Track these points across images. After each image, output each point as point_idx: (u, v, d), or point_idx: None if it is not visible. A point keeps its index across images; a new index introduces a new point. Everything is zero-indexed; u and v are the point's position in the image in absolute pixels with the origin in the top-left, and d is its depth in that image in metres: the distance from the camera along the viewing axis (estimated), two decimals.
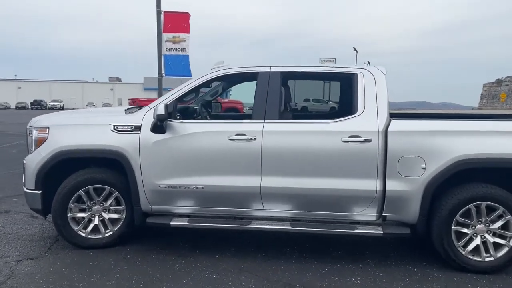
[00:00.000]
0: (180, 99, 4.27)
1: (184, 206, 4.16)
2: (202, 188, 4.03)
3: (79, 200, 4.16)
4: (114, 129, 4.10)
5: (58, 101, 71.22)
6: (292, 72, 4.25)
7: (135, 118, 4.15)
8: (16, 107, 68.24)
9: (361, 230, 3.93)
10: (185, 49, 15.16)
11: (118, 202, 4.23)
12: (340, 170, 3.90)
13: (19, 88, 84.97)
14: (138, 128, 4.09)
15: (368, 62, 4.29)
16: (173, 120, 4.10)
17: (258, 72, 4.18)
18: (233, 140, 3.98)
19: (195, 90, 4.36)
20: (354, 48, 50.37)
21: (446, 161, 3.73)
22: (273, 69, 4.17)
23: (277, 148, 3.95)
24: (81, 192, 4.11)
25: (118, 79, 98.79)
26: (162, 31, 15.04)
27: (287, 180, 3.96)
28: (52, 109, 63.95)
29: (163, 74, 15.13)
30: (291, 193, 3.98)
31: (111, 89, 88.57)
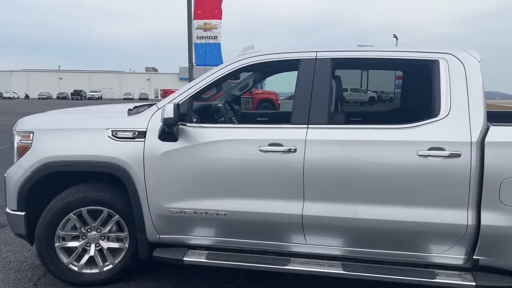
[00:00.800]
0: (197, 95, 3.28)
1: (201, 237, 3.20)
2: (224, 214, 3.05)
3: (70, 225, 3.29)
4: (113, 135, 3.17)
5: (96, 91, 72.66)
6: (347, 58, 3.14)
7: (139, 121, 3.20)
8: (57, 97, 70.05)
9: (443, 279, 2.81)
10: (216, 36, 14.16)
11: (119, 228, 3.32)
12: (414, 195, 2.81)
13: (60, 78, 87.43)
14: (142, 134, 3.14)
15: None
16: (188, 124, 3.12)
17: (300, 60, 3.12)
18: (266, 151, 2.96)
19: (217, 83, 3.35)
20: (394, 35, 47.76)
21: None
22: (321, 55, 3.09)
23: (325, 163, 2.90)
24: (71, 215, 3.22)
25: (155, 69, 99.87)
26: (192, 18, 14.15)
27: (338, 207, 2.91)
28: (91, 99, 65.36)
29: (194, 64, 14.27)
30: (344, 224, 2.92)
31: (148, 79, 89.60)
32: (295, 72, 3.18)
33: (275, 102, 19.55)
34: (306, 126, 2.97)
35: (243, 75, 4.18)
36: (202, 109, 3.78)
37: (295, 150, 2.92)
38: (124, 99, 68.27)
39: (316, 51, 3.11)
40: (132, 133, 3.15)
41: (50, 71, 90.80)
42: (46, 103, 48.19)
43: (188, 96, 3.18)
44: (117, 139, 3.16)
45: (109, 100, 64.24)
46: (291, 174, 2.93)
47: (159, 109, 3.19)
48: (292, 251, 3.10)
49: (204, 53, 13.99)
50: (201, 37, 14.15)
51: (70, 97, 69.57)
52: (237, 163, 3.01)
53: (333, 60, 3.09)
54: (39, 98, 68.25)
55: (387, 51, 3.08)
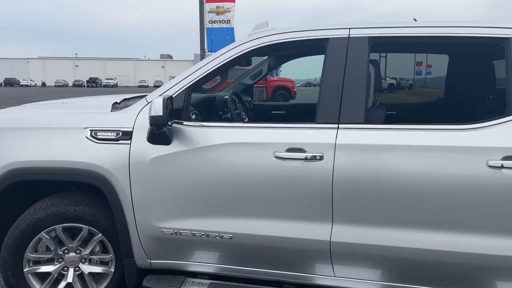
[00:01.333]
0: (196, 86, 2.61)
1: (202, 263, 2.57)
2: (230, 237, 2.41)
3: (43, 246, 2.70)
4: (92, 136, 2.54)
5: (112, 79, 72.76)
6: (390, 37, 2.40)
7: (123, 119, 2.56)
8: (73, 85, 70.26)
9: None
10: (230, 20, 13.46)
11: (104, 248, 2.71)
12: (482, 219, 2.12)
13: (76, 66, 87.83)
14: (127, 134, 2.50)
15: None
16: (184, 123, 2.47)
17: (328, 39, 2.41)
18: (283, 159, 2.29)
19: (223, 70, 2.68)
20: (414, 19, 46.07)
21: None
22: (355, 32, 2.38)
23: (362, 175, 2.21)
24: (43, 234, 2.61)
25: (170, 56, 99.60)
26: (204, 1, 13.46)
27: (378, 232, 2.23)
28: (107, 86, 65.37)
29: (206, 50, 13.59)
30: (385, 254, 2.25)
31: (163, 67, 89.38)
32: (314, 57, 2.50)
33: (291, 90, 18.74)
34: (336, 126, 2.29)
35: (254, 62, 3.48)
36: (204, 102, 3.12)
37: (321, 158, 2.25)
38: (139, 86, 68.02)
39: (349, 28, 2.40)
40: (115, 134, 2.51)
41: (66, 59, 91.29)
42: (62, 90, 48.26)
43: (185, 87, 2.52)
44: (97, 140, 2.53)
45: (123, 87, 64.03)
46: (316, 188, 2.26)
47: (148, 103, 2.54)
48: (316, 284, 2.45)
49: (217, 38, 13.29)
50: (214, 21, 13.45)
51: (85, 85, 69.78)
52: (246, 173, 2.35)
53: (372, 39, 2.37)
54: (55, 86, 68.53)
55: (445, 27, 2.34)
